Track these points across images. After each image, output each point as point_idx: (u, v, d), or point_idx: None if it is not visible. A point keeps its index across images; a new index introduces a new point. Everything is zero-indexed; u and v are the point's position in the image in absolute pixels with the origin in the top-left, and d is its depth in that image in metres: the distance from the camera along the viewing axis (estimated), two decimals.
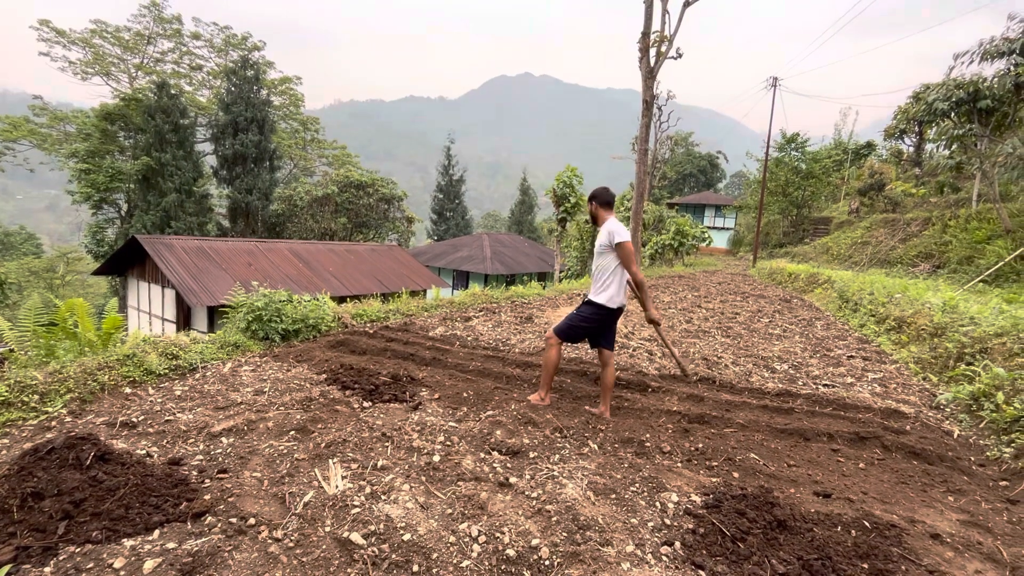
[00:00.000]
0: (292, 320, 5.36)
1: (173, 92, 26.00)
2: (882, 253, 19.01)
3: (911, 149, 27.45)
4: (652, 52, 14.19)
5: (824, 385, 4.92)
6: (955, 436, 3.80)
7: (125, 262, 16.36)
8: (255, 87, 29.02)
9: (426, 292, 17.07)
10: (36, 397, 3.25)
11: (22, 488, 1.90)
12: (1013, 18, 13.53)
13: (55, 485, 1.96)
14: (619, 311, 3.70)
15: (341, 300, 8.62)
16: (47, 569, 1.75)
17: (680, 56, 14.69)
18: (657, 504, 2.60)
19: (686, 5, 14.80)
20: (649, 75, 14.14)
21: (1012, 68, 13.37)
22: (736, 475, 2.99)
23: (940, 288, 9.32)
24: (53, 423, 3.07)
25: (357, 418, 3.37)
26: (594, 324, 3.71)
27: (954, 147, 17.29)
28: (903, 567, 2.15)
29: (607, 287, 3.64)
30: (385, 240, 31.10)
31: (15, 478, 1.94)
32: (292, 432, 3.06)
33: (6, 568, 1.70)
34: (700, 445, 3.34)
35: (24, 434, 2.91)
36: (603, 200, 3.78)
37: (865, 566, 2.15)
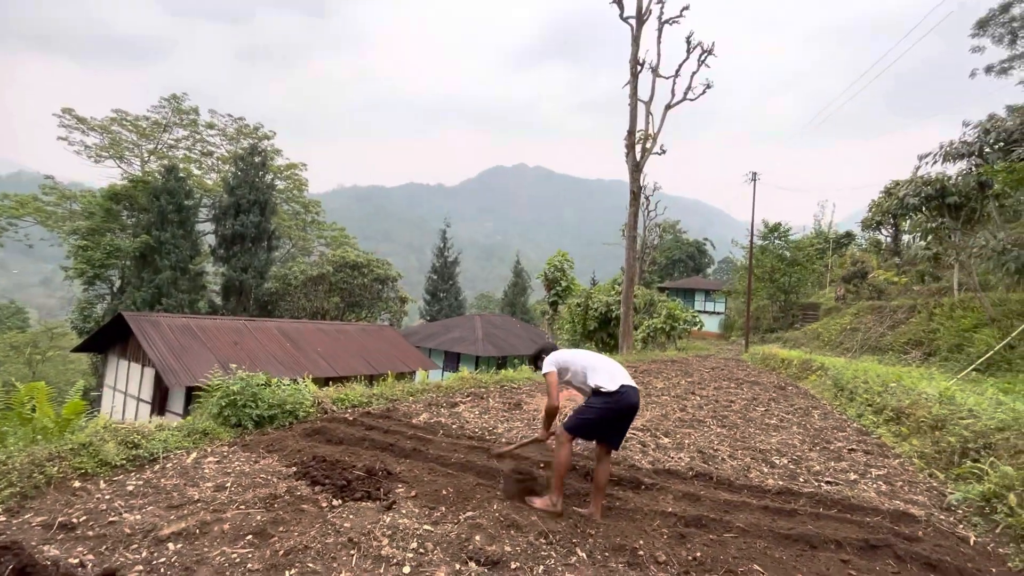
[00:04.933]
0: (268, 405, 5.11)
1: (181, 175, 27.12)
2: (872, 340, 19.08)
3: (889, 240, 28.61)
4: (638, 148, 15.14)
5: (827, 482, 4.65)
6: (971, 543, 3.52)
7: (108, 339, 16.02)
8: (261, 172, 30.37)
9: (414, 374, 16.69)
10: None
11: None
12: (967, 124, 14.71)
13: None
14: (627, 398, 3.50)
15: (327, 382, 8.35)
16: None
17: (664, 152, 15.65)
18: None
19: (667, 108, 16.03)
20: (636, 168, 14.96)
21: (973, 168, 14.30)
22: None
23: (935, 376, 9.22)
24: None
25: (324, 519, 3.07)
26: (606, 415, 3.47)
27: (929, 238, 18.02)
28: None
29: (594, 380, 3.54)
30: (377, 320, 31.00)
31: None
32: (249, 536, 2.77)
33: None
34: (698, 554, 3.05)
35: None
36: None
37: None
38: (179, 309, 24.29)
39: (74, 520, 2.83)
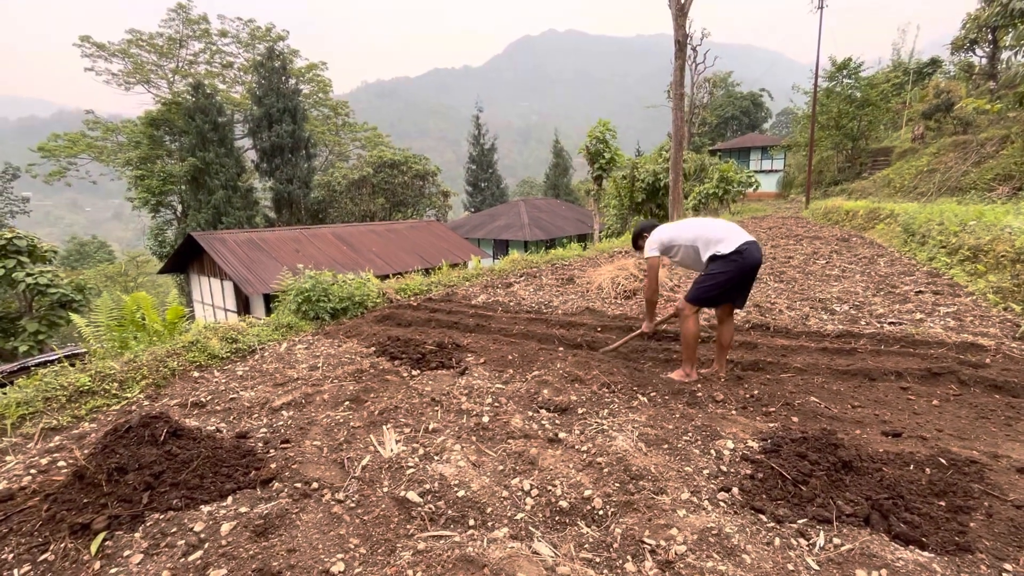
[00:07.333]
0: (339, 299, 5.53)
1: (208, 92, 26.83)
2: (952, 180, 17.45)
3: (984, 61, 24.69)
4: None
5: (890, 323, 4.62)
6: None
7: (185, 259, 17.36)
8: (283, 77, 29.46)
9: (467, 263, 17.20)
10: (116, 385, 3.52)
11: (107, 464, 2.07)
12: None
13: (136, 460, 2.12)
14: (750, 256, 3.23)
15: (384, 278, 8.80)
16: (137, 534, 1.91)
17: None
18: (712, 452, 2.54)
19: None
20: (680, 12, 13.27)
21: None
22: (795, 419, 2.88)
23: (1022, 211, 8.46)
24: (133, 407, 3.33)
25: (407, 386, 3.45)
26: (730, 279, 3.26)
27: None
28: (986, 502, 2.01)
29: (710, 248, 3.32)
30: (423, 216, 31.42)
31: (100, 455, 2.12)
32: (347, 402, 3.18)
33: (102, 535, 1.86)
34: (755, 392, 3.22)
35: (108, 418, 3.17)
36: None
37: (942, 503, 2.02)
38: (238, 225, 25.52)
39: (202, 399, 3.34)
